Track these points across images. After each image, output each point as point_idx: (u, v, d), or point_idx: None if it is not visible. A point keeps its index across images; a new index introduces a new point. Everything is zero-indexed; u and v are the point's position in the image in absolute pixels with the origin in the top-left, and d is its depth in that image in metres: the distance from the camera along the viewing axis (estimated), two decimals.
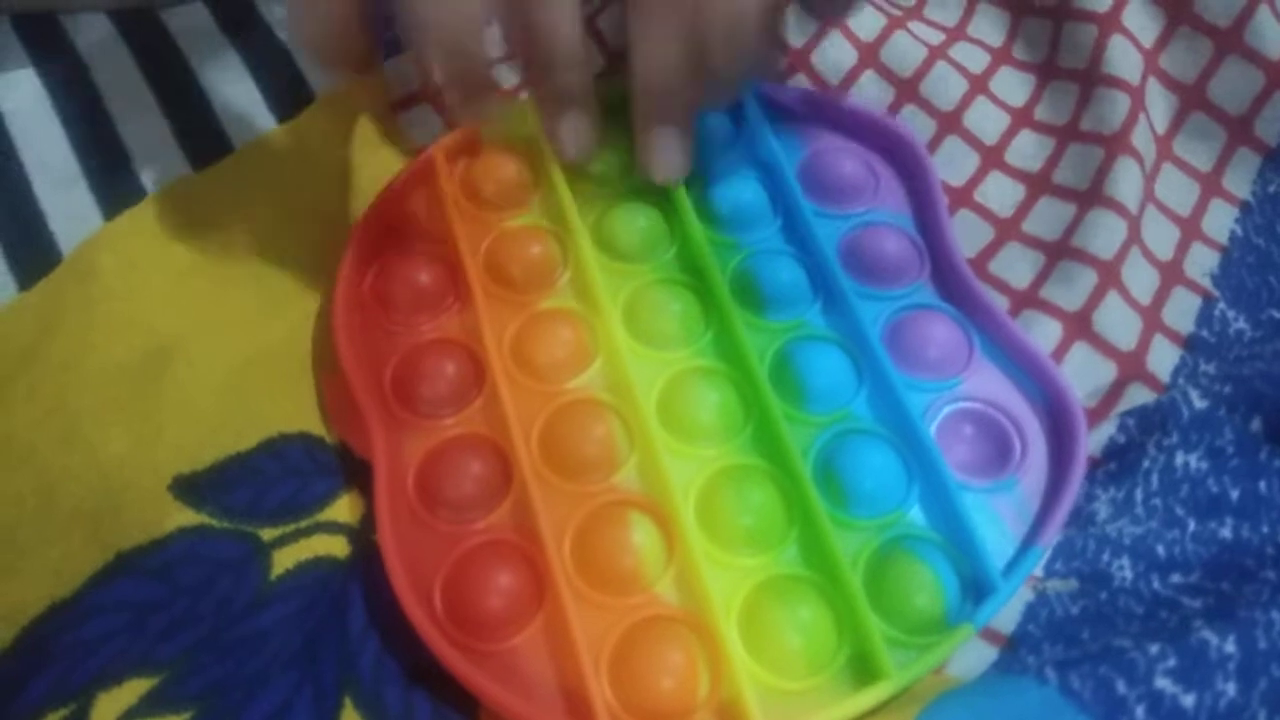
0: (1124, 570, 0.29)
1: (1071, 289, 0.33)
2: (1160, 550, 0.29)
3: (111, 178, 0.34)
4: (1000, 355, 0.32)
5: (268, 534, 0.28)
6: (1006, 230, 0.36)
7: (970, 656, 0.28)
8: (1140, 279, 0.34)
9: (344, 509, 0.29)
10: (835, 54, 0.39)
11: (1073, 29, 0.39)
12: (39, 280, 0.32)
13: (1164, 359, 0.33)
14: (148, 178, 0.34)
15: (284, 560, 0.28)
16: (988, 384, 0.32)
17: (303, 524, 0.29)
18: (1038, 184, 0.37)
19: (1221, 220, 0.37)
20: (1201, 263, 0.36)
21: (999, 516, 0.29)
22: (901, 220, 0.35)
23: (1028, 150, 0.38)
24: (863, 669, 0.26)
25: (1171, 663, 0.24)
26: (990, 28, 0.41)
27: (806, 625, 0.27)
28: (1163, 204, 0.37)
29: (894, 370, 0.31)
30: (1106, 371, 0.33)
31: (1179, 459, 0.30)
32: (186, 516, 0.28)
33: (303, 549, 0.28)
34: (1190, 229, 0.37)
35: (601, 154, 0.34)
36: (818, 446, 0.30)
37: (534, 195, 0.35)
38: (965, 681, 0.27)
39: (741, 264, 0.34)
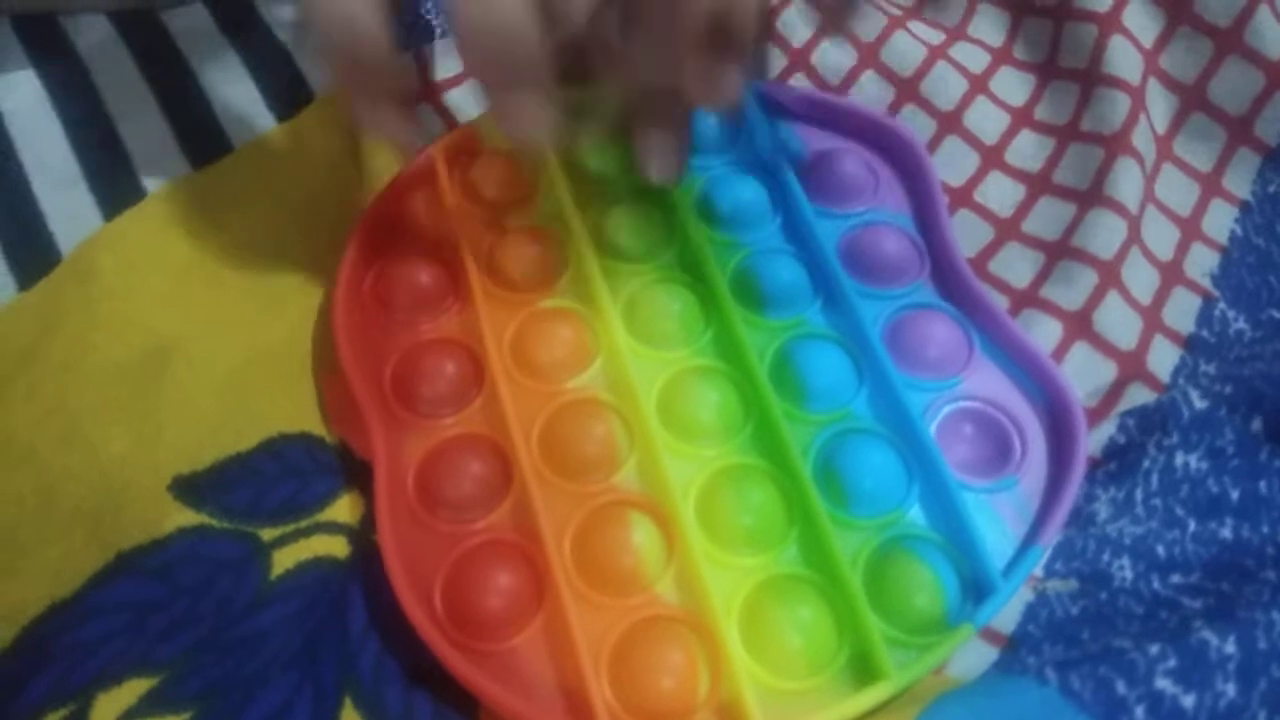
0: (1124, 570, 0.29)
1: (1072, 289, 0.33)
2: (1160, 550, 0.29)
3: (111, 178, 0.34)
4: (1000, 355, 0.32)
5: (268, 534, 0.28)
6: (1006, 230, 0.36)
7: (970, 657, 0.28)
8: (1140, 279, 0.34)
9: (344, 509, 0.29)
10: (835, 54, 0.39)
11: (1073, 29, 0.39)
12: (39, 280, 0.32)
13: (1164, 359, 0.33)
14: (147, 178, 0.34)
15: (284, 560, 0.28)
16: (988, 383, 0.31)
17: (303, 524, 0.29)
18: (1038, 184, 0.37)
19: (1221, 220, 0.37)
20: (1201, 263, 0.36)
21: (999, 516, 0.29)
22: (901, 220, 0.35)
23: (1028, 150, 0.38)
24: (863, 669, 0.26)
25: (1171, 663, 0.24)
26: (990, 28, 0.41)
27: (806, 625, 0.27)
28: (1163, 204, 0.37)
29: (894, 369, 0.31)
30: (1107, 371, 0.33)
31: (1179, 459, 0.30)
32: (186, 516, 0.28)
33: (303, 549, 0.28)
34: (1190, 229, 0.37)
35: (601, 153, 0.34)
36: (818, 446, 0.30)
37: (534, 195, 0.35)
38: (965, 682, 0.27)
39: (741, 263, 0.34)
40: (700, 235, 0.33)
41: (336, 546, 0.29)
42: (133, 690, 0.25)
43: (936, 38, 0.40)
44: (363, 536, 0.29)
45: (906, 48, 0.39)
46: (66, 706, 0.25)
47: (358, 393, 0.30)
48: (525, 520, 0.28)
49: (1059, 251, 0.35)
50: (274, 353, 0.32)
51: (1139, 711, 0.24)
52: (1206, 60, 0.38)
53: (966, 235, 0.36)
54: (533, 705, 0.25)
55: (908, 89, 0.39)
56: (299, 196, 0.35)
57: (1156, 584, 0.28)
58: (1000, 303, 0.34)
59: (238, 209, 0.34)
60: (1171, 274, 0.35)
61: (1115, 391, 0.32)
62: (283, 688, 0.26)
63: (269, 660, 0.26)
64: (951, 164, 0.38)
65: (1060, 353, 0.33)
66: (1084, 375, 0.32)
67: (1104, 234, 0.34)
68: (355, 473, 0.30)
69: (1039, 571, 0.29)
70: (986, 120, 0.39)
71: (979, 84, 0.39)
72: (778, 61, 0.39)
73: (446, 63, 0.38)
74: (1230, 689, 0.24)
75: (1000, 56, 0.40)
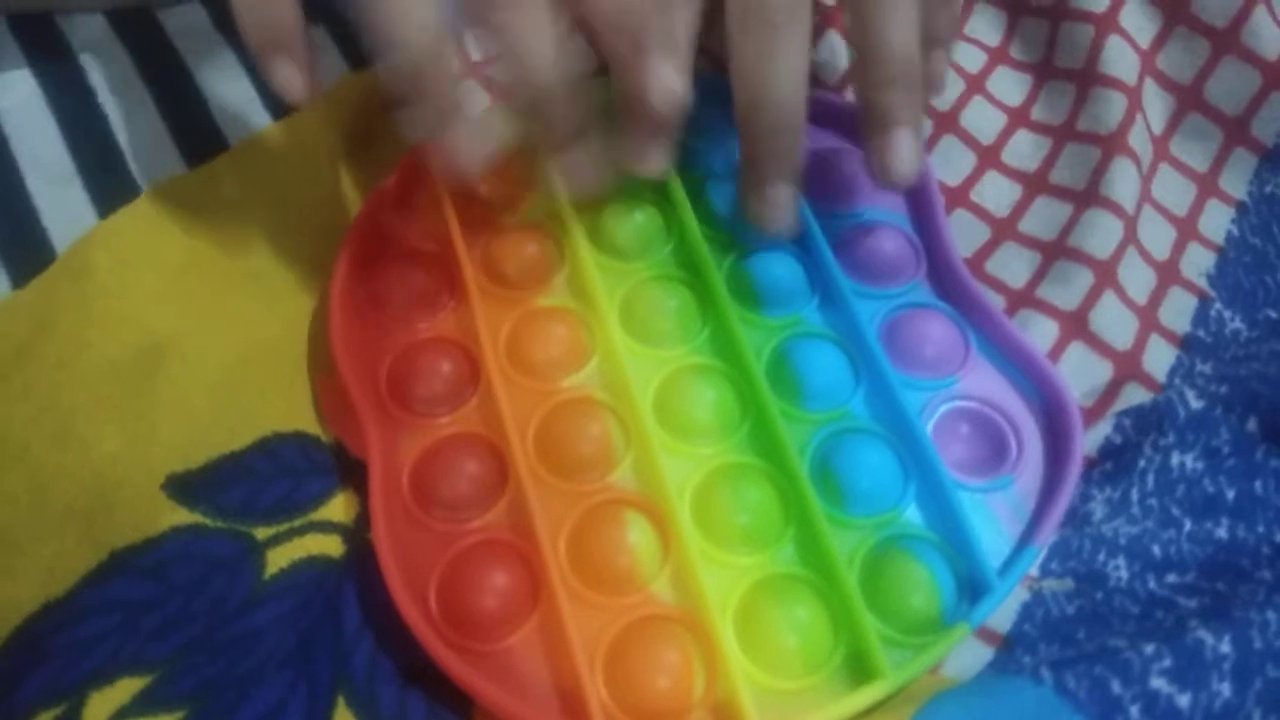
0: (1120, 570, 0.29)
1: (1068, 289, 0.33)
2: (1156, 550, 0.29)
3: (106, 175, 0.34)
4: (997, 354, 0.32)
5: (262, 533, 0.28)
6: (1003, 230, 0.36)
7: (966, 656, 0.28)
8: (1136, 279, 0.34)
9: (338, 508, 0.29)
10: (832, 54, 0.39)
11: (1070, 29, 0.39)
12: (33, 278, 0.31)
13: (1160, 359, 0.33)
14: (142, 175, 0.34)
15: (278, 559, 0.28)
16: (984, 383, 0.31)
17: (297, 523, 0.29)
18: (1034, 184, 0.37)
19: (1218, 220, 0.37)
20: (1198, 263, 0.36)
21: (995, 516, 0.29)
22: (898, 219, 0.35)
23: (1024, 150, 0.38)
24: (858, 668, 0.26)
25: (1167, 663, 0.24)
26: (987, 27, 0.41)
27: (802, 624, 0.27)
28: (1159, 204, 0.37)
29: (891, 369, 0.31)
30: (1103, 371, 0.33)
31: (1175, 459, 0.30)
32: (180, 515, 0.28)
33: (297, 548, 0.28)
34: (1186, 229, 0.37)
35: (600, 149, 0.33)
36: (814, 445, 0.30)
37: (529, 193, 0.35)
38: (961, 681, 0.27)
39: (738, 261, 0.33)
40: (697, 232, 0.33)
41: (331, 546, 0.29)
42: (126, 689, 0.25)
43: None
44: (357, 536, 0.29)
45: None
46: (59, 705, 0.25)
47: (352, 391, 0.30)
48: (520, 519, 0.28)
49: (1055, 251, 0.35)
50: (269, 351, 0.32)
51: (1134, 711, 0.24)
52: (1203, 60, 0.38)
53: (963, 235, 0.36)
54: (528, 705, 0.25)
55: None
56: (295, 195, 0.35)
57: (1152, 584, 0.28)
58: (997, 302, 0.34)
59: (233, 207, 0.34)
60: (1168, 274, 0.35)
61: (1111, 391, 0.32)
62: (276, 687, 0.26)
63: (263, 659, 0.26)
64: (948, 163, 0.38)
65: (1056, 352, 0.33)
66: (1080, 375, 0.32)
67: (1100, 234, 0.34)
68: (350, 472, 0.30)
69: (1035, 571, 0.29)
70: (983, 120, 0.39)
71: (976, 84, 0.39)
72: None
73: None
74: (1225, 689, 0.24)
75: (997, 56, 0.40)
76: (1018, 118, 0.39)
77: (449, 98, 0.28)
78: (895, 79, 0.30)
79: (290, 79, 0.28)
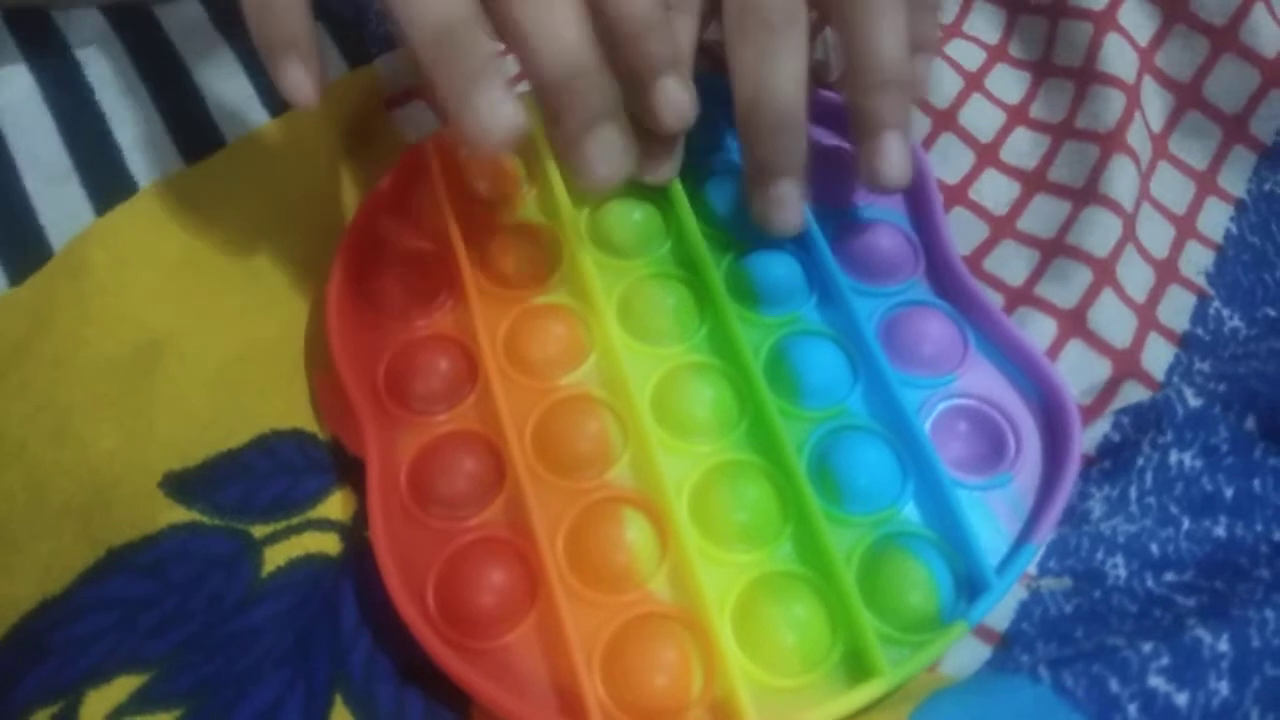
0: (1118, 568, 0.28)
1: (1066, 286, 0.33)
2: (1154, 548, 0.29)
3: (103, 173, 0.34)
4: (995, 352, 0.32)
5: (259, 531, 0.28)
6: (1001, 228, 0.36)
7: (964, 654, 0.28)
8: (1135, 277, 0.34)
9: (336, 506, 0.29)
10: (828, 52, 0.39)
11: (1068, 27, 0.39)
12: (30, 275, 0.31)
13: (1159, 357, 0.33)
14: (139, 173, 0.34)
15: (275, 557, 0.28)
16: (982, 381, 0.31)
17: (294, 521, 0.29)
18: (1033, 182, 0.37)
19: (1216, 218, 0.37)
20: (1196, 261, 0.36)
21: (993, 513, 0.29)
22: (896, 217, 0.35)
23: (1023, 148, 0.38)
24: (856, 666, 0.26)
25: (1165, 661, 0.24)
26: (986, 25, 0.41)
27: (800, 622, 0.27)
28: (1158, 202, 0.37)
29: (889, 366, 0.31)
30: (1101, 369, 0.33)
31: (1173, 457, 0.30)
32: (177, 513, 0.28)
33: (294, 546, 0.28)
34: (1185, 227, 0.37)
35: None
36: (812, 442, 0.30)
37: (528, 191, 0.35)
38: (959, 679, 0.27)
39: (736, 259, 0.33)
40: (695, 230, 0.33)
41: (328, 543, 0.29)
42: (123, 687, 0.25)
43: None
44: (355, 533, 0.29)
45: None
46: (56, 703, 0.25)
47: (350, 389, 0.30)
48: (518, 517, 0.28)
49: (1054, 249, 0.35)
50: (266, 349, 0.32)
51: (1132, 710, 0.24)
52: (1202, 58, 0.38)
53: (961, 233, 0.36)
54: (525, 703, 0.25)
55: None
56: (292, 192, 0.35)
57: (1150, 582, 0.28)
58: (995, 300, 0.34)
59: (230, 204, 0.34)
60: (1166, 272, 0.35)
61: (1110, 389, 0.32)
62: (274, 685, 0.26)
63: (260, 657, 0.26)
64: (946, 161, 0.38)
65: (1055, 350, 0.33)
66: (1078, 373, 0.32)
67: (1099, 232, 0.34)
68: (347, 469, 0.30)
69: (1033, 569, 0.29)
70: (982, 118, 0.39)
71: (974, 81, 0.39)
72: None
73: None
74: (1223, 687, 0.24)
75: (995, 54, 0.40)
76: (1016, 116, 0.39)
77: (482, 57, 0.26)
78: (885, 84, 0.31)
79: (299, 82, 0.28)
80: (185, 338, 0.31)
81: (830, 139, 0.37)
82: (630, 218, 0.34)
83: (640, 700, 0.26)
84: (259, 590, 0.27)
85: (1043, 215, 0.36)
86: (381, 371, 0.31)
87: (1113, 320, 0.33)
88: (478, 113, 0.26)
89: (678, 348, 0.32)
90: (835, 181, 0.35)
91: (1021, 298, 0.34)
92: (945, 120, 0.38)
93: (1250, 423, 0.31)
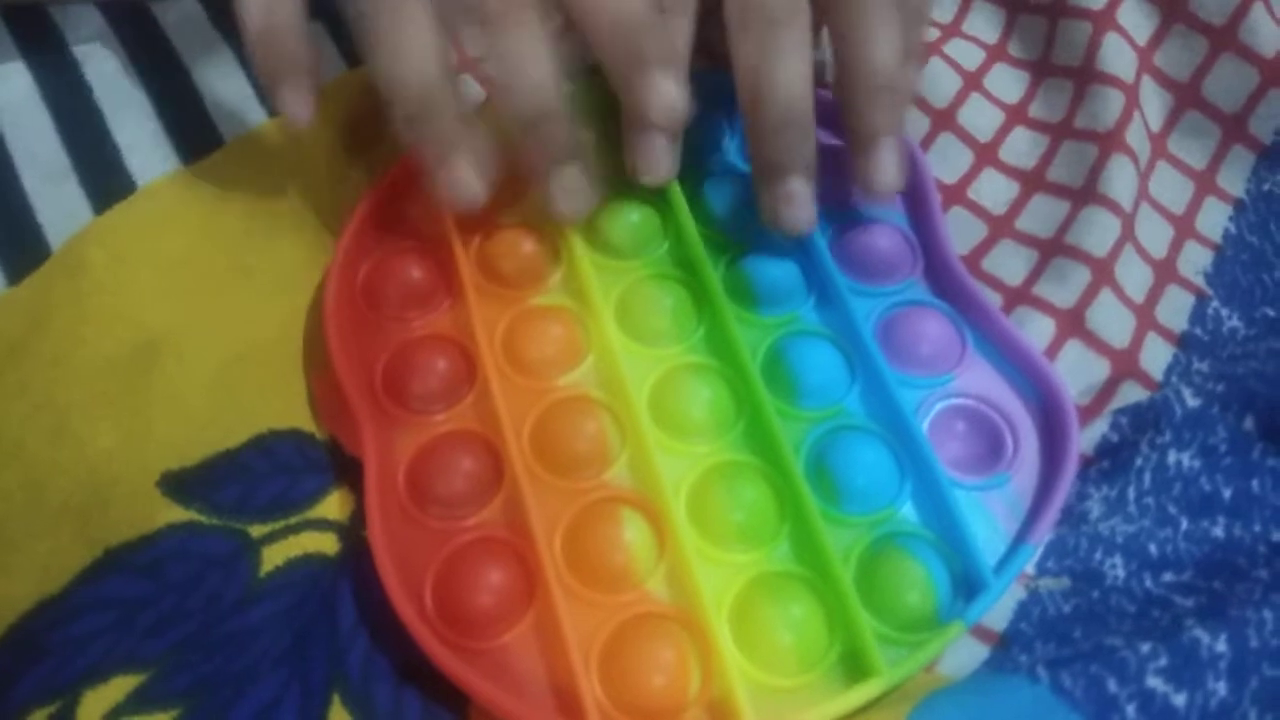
0: (1116, 569, 0.28)
1: (1065, 286, 0.33)
2: (1152, 549, 0.29)
3: (101, 171, 0.34)
4: (993, 352, 0.32)
5: (257, 531, 0.28)
6: (1000, 227, 0.36)
7: (962, 654, 0.28)
8: (1134, 277, 0.34)
9: (334, 506, 0.29)
10: (828, 52, 0.39)
11: (1067, 26, 0.39)
12: (28, 274, 0.31)
13: (1157, 357, 0.33)
14: (138, 172, 0.34)
15: (273, 557, 0.28)
16: (980, 381, 0.31)
17: (292, 521, 0.29)
18: (1031, 181, 0.37)
19: (1215, 218, 0.37)
20: (1195, 261, 0.36)
21: (991, 514, 0.29)
22: (895, 217, 0.35)
23: (1021, 147, 0.38)
24: (854, 666, 0.26)
25: (1163, 661, 0.24)
26: (985, 24, 0.41)
27: (798, 622, 0.27)
28: (1157, 202, 0.37)
29: (886, 366, 0.31)
30: (1099, 369, 0.33)
31: (1171, 457, 0.30)
32: (175, 513, 0.28)
33: (292, 546, 0.28)
34: (1184, 227, 0.37)
35: (595, 151, 0.33)
36: (810, 442, 0.30)
37: (526, 191, 0.35)
38: (956, 679, 0.27)
39: (734, 260, 0.33)
40: (693, 231, 0.33)
41: (326, 543, 0.29)
42: (120, 687, 0.25)
43: (931, 34, 0.40)
44: (353, 533, 0.29)
45: None
46: (54, 703, 0.25)
47: (348, 389, 0.30)
48: (516, 517, 0.28)
49: (1052, 249, 0.35)
50: (264, 348, 0.31)
51: (1130, 710, 0.24)
52: (1201, 58, 0.38)
53: (960, 232, 0.36)
54: (523, 703, 0.25)
55: None
56: (290, 191, 0.35)
57: (1148, 582, 0.28)
58: (994, 300, 0.34)
59: (229, 203, 0.34)
60: (1165, 272, 0.35)
61: (1108, 389, 0.32)
62: (271, 685, 0.26)
63: (257, 657, 0.26)
64: (945, 161, 0.38)
65: (1053, 350, 0.33)
66: (1077, 373, 0.32)
67: (1097, 231, 0.34)
68: (345, 469, 0.30)
69: (1031, 569, 0.29)
70: (980, 117, 0.39)
71: (973, 81, 0.39)
72: None
73: None
74: (1221, 687, 0.24)
75: (994, 53, 0.40)
76: (1015, 115, 0.39)
77: (452, 131, 0.30)
78: (879, 91, 0.31)
79: (296, 104, 0.30)
80: (183, 337, 0.31)
81: (827, 139, 0.37)
82: (628, 219, 0.34)
83: (638, 700, 0.25)
84: (257, 590, 0.27)
85: (1041, 215, 0.36)
86: (379, 371, 0.31)
87: (1111, 320, 0.33)
88: (448, 182, 0.30)
89: (675, 348, 0.32)
90: (833, 182, 0.35)
91: (1020, 297, 0.34)
92: (944, 120, 0.38)
93: (1249, 423, 0.31)
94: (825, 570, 0.27)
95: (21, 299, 0.31)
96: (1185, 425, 0.30)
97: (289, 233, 0.34)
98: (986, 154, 0.38)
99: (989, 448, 0.30)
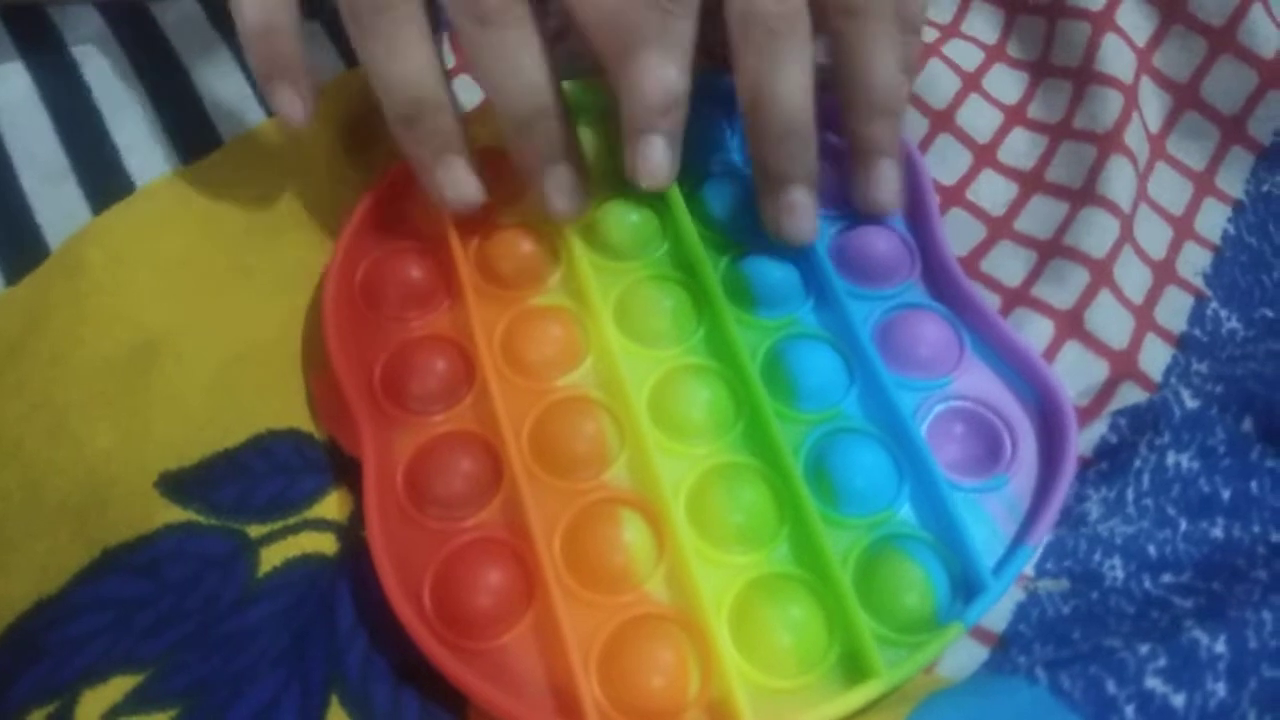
0: (1115, 570, 0.29)
1: (1063, 288, 0.33)
2: (1151, 550, 0.29)
3: (100, 172, 0.34)
4: (991, 354, 0.32)
5: (255, 531, 0.28)
6: (998, 229, 0.36)
7: (961, 656, 0.28)
8: (1132, 278, 0.34)
9: (332, 506, 0.29)
10: (826, 52, 0.39)
11: (1066, 27, 0.39)
12: (26, 274, 0.31)
13: (1156, 358, 0.33)
14: (136, 172, 0.34)
15: (271, 557, 0.28)
16: (979, 383, 0.31)
17: (291, 521, 0.29)
18: (1030, 182, 0.37)
19: (1214, 219, 0.37)
20: (1194, 262, 0.36)
21: (989, 515, 0.29)
22: (893, 220, 0.35)
23: (1020, 148, 0.38)
24: (853, 667, 0.26)
25: (1162, 662, 0.24)
26: (984, 25, 0.41)
27: (797, 623, 0.27)
28: (1155, 203, 0.37)
29: (884, 369, 0.31)
30: (1098, 370, 0.33)
31: (1170, 459, 0.30)
32: (173, 513, 0.28)
33: (290, 546, 0.28)
34: (1183, 228, 0.37)
35: (594, 151, 0.33)
36: (808, 444, 0.30)
37: (526, 192, 0.35)
38: (956, 681, 0.27)
39: (733, 262, 0.33)
40: (692, 233, 0.33)
41: (325, 544, 0.28)
42: (118, 687, 0.25)
43: (929, 35, 0.40)
44: (351, 534, 0.29)
45: None
46: (52, 703, 0.25)
47: (347, 389, 0.30)
48: (515, 517, 0.28)
49: (1051, 250, 0.35)
50: (263, 349, 0.31)
51: (1129, 711, 0.24)
52: (1200, 59, 0.38)
53: (958, 234, 0.36)
54: (522, 704, 0.25)
55: None
56: (290, 191, 0.35)
57: (1147, 583, 0.28)
58: (992, 302, 0.34)
59: (228, 203, 0.34)
60: (1164, 273, 0.35)
61: (1107, 391, 0.32)
62: (269, 685, 0.26)
63: (256, 657, 0.26)
64: (943, 162, 0.38)
65: (1052, 352, 0.33)
66: (1075, 374, 0.32)
67: (1096, 233, 0.34)
68: (344, 470, 0.30)
69: (1030, 571, 0.29)
70: (979, 118, 0.39)
71: (971, 81, 0.39)
72: None
73: None
74: (1220, 688, 0.24)
75: (993, 54, 0.40)
76: (1014, 116, 0.39)
77: (446, 132, 0.30)
78: (881, 112, 0.32)
79: (292, 103, 0.30)
80: (182, 337, 0.31)
81: (824, 140, 0.37)
82: (627, 220, 0.34)
83: (637, 701, 0.25)
84: (255, 590, 0.27)
85: (1040, 216, 0.36)
86: (378, 371, 0.31)
87: (1110, 321, 0.33)
88: (440, 187, 0.31)
89: (675, 350, 0.32)
90: (831, 184, 0.35)
91: (1019, 298, 0.34)
92: (943, 120, 0.38)
93: (1247, 424, 0.31)
94: (824, 572, 0.27)
95: (20, 299, 0.31)
96: (1184, 426, 0.30)
97: (288, 233, 0.34)
98: (985, 155, 0.38)
99: (987, 450, 0.30)
